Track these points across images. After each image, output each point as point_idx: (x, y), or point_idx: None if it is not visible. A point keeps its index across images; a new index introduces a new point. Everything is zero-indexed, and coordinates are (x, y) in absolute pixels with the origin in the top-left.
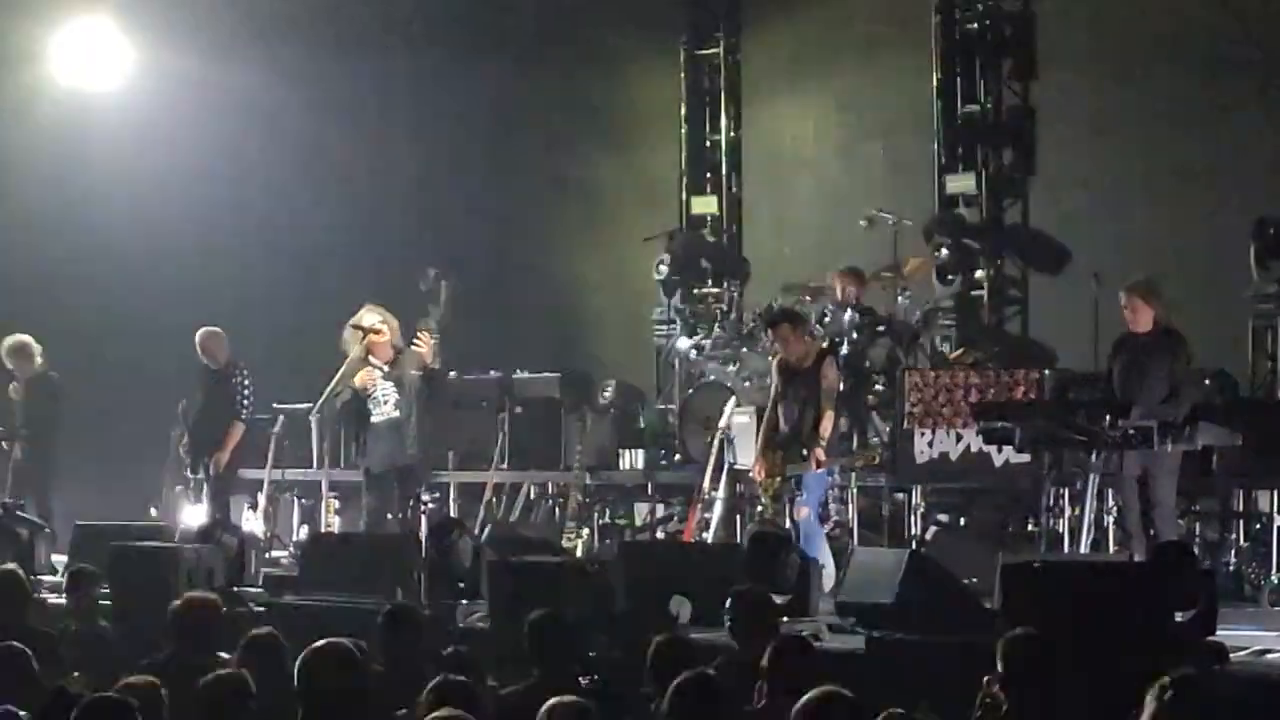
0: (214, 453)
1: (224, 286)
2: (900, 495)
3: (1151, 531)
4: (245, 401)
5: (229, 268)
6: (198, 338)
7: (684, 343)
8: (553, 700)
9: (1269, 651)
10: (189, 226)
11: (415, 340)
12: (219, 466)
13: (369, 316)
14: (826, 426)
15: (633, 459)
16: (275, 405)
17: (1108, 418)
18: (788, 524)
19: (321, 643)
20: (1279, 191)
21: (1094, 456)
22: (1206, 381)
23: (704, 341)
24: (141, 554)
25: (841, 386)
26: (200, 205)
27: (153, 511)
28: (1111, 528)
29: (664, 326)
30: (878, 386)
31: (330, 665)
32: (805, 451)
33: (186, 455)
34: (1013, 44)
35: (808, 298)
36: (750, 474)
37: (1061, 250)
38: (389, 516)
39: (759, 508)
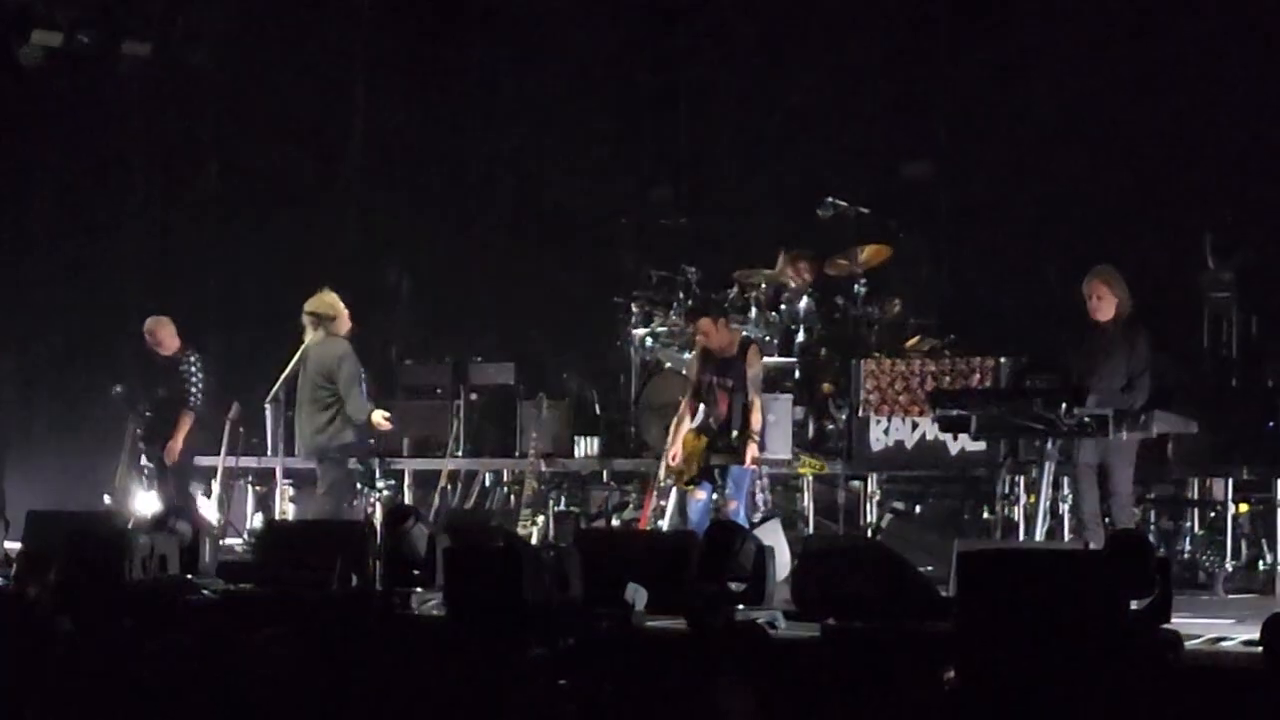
0: (166, 443)
1: (185, 274)
2: (856, 483)
3: (1107, 519)
4: (195, 390)
5: (190, 256)
6: (146, 326)
7: (639, 330)
8: None
9: (1224, 639)
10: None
11: None
12: (172, 456)
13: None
14: (757, 420)
15: (588, 446)
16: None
17: (1064, 406)
18: (682, 513)
19: None
20: None
21: (1050, 444)
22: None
23: (659, 329)
24: (94, 541)
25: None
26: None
27: (107, 499)
28: (1067, 516)
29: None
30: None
31: None
32: (735, 445)
33: (142, 443)
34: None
35: (762, 284)
36: (665, 459)
37: None
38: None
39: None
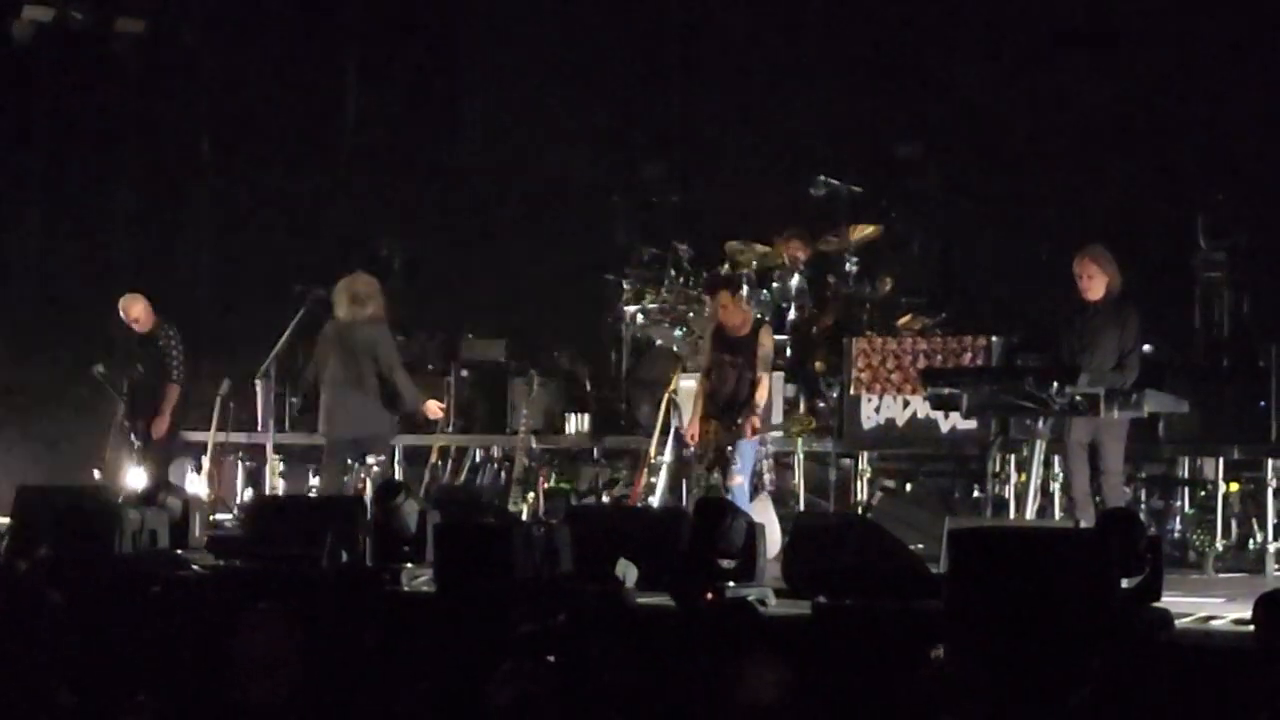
0: (152, 419)
1: (176, 250)
2: (847, 461)
3: (1098, 498)
4: (176, 363)
5: (181, 231)
6: (121, 304)
7: (630, 307)
8: None
9: (1214, 618)
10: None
11: None
12: (159, 431)
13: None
14: (762, 395)
15: (579, 423)
16: None
17: (1055, 384)
18: (674, 490)
19: None
20: None
21: (1041, 423)
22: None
23: (650, 305)
24: (84, 516)
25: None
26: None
27: (96, 474)
28: (1058, 495)
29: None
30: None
31: None
32: (739, 420)
33: (126, 421)
34: None
35: (754, 262)
36: (686, 439)
37: None
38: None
39: (700, 474)
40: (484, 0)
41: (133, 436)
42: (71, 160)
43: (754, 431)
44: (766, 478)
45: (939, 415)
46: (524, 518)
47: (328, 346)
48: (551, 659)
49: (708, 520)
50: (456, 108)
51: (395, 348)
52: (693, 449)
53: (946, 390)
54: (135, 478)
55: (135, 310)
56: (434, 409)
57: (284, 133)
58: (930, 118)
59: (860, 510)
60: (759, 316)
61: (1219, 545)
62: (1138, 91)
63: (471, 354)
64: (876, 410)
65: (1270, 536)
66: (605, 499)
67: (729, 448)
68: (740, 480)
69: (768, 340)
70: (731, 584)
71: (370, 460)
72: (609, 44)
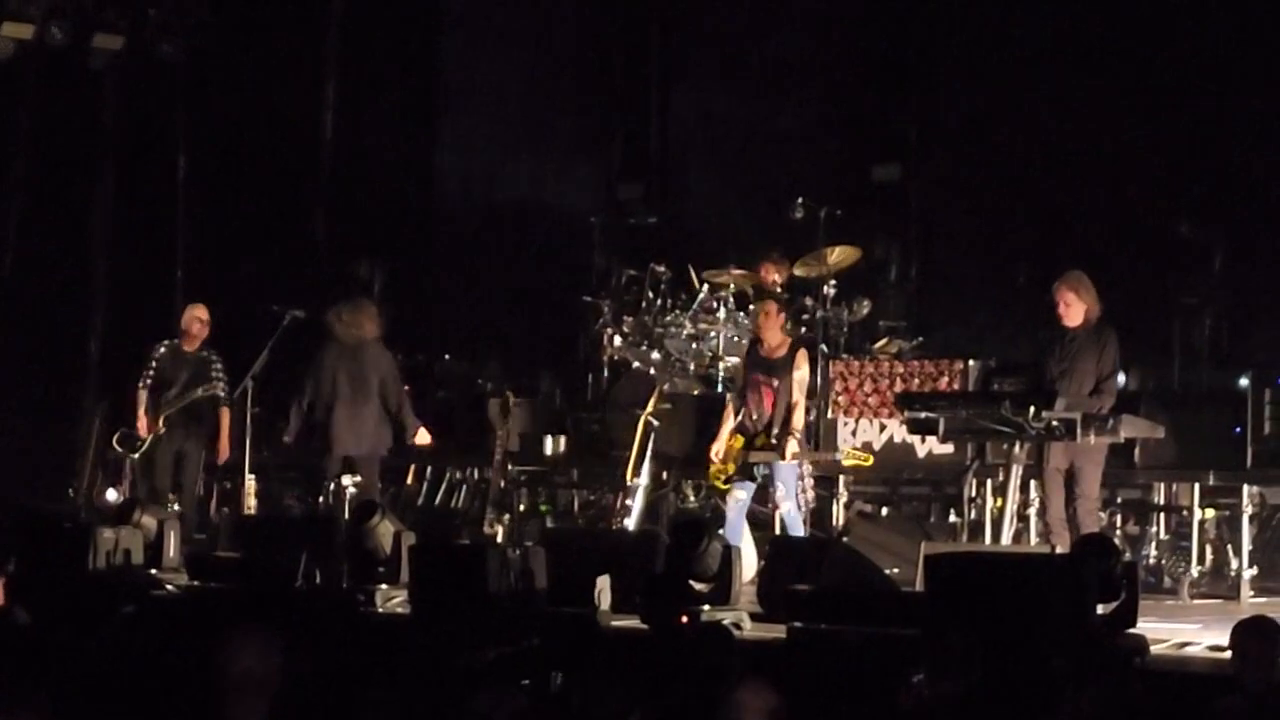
0: (212, 439)
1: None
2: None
3: (1074, 524)
4: (226, 383)
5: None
6: (191, 313)
7: (608, 329)
8: None
9: (1189, 644)
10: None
11: None
12: (225, 454)
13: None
14: (799, 418)
15: (556, 445)
16: None
17: (1032, 409)
18: (729, 512)
19: None
20: None
21: (1017, 447)
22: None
23: (627, 328)
24: (56, 534)
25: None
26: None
27: (71, 493)
28: (1034, 520)
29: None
30: None
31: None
32: (776, 442)
33: (117, 444)
34: None
35: (731, 285)
36: (711, 456)
37: None
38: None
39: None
40: (463, 22)
41: (118, 445)
42: (49, 177)
43: (793, 456)
44: (802, 498)
45: (916, 439)
46: (499, 540)
47: (335, 366)
48: (526, 683)
49: (683, 543)
50: (435, 128)
51: (398, 370)
52: (710, 465)
53: (923, 414)
54: (110, 496)
55: (204, 318)
56: (425, 435)
57: (262, 151)
58: (908, 141)
59: (836, 534)
60: (798, 339)
61: (1194, 571)
62: (1116, 115)
63: (448, 375)
64: (853, 433)
65: (1245, 563)
66: (581, 521)
67: (761, 469)
68: (788, 506)
69: (804, 363)
70: (706, 607)
71: (346, 481)
72: (587, 67)
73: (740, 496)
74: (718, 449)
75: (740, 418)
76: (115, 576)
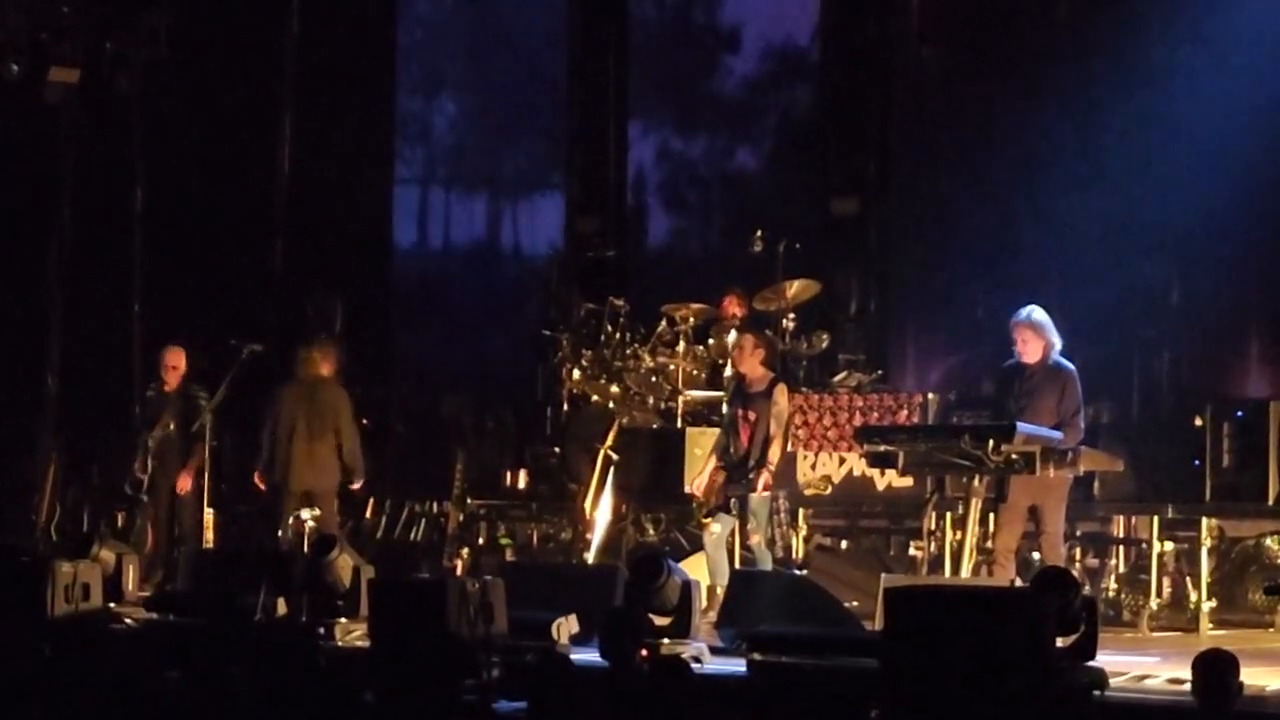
0: (178, 474)
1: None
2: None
3: (1037, 557)
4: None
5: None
6: (168, 356)
7: (567, 363)
8: None
9: (1148, 677)
10: None
11: None
12: (185, 487)
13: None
14: (775, 453)
15: (515, 478)
16: None
17: (991, 442)
18: (706, 546)
19: None
20: None
21: (977, 481)
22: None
23: (586, 361)
24: (13, 569)
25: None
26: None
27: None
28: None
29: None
30: None
31: None
32: (751, 476)
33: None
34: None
35: (690, 318)
36: (691, 489)
37: None
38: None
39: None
40: (422, 55)
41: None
42: (5, 210)
43: (765, 489)
44: (776, 532)
45: (875, 472)
46: (459, 573)
47: (294, 403)
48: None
49: (642, 577)
50: (392, 163)
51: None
52: (694, 499)
53: (883, 447)
54: (74, 531)
55: (181, 361)
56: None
57: (219, 185)
58: (867, 174)
59: (796, 567)
60: (777, 375)
61: (1153, 604)
62: (1079, 144)
63: (406, 409)
64: (813, 467)
65: (1204, 595)
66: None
67: (736, 501)
68: (757, 539)
69: (782, 398)
70: (666, 641)
71: (305, 514)
72: (545, 99)
73: (716, 530)
74: (699, 482)
75: (723, 451)
76: (73, 613)
